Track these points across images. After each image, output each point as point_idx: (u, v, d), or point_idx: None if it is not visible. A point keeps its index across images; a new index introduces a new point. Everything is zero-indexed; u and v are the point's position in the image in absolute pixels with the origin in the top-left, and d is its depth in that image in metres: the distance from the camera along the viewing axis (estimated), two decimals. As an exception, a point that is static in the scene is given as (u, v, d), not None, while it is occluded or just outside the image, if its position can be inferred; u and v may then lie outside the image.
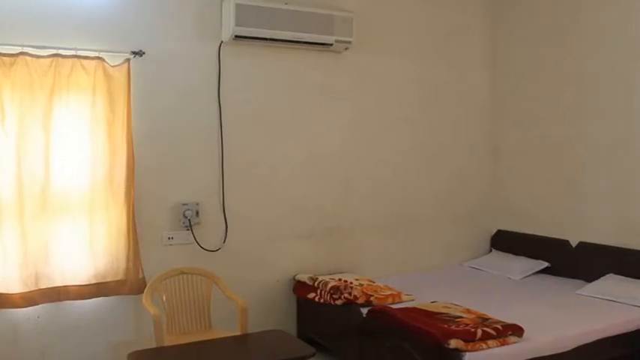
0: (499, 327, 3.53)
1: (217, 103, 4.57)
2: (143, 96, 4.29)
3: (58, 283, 4.03)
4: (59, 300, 4.06)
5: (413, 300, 4.36)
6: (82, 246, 4.10)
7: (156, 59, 4.34)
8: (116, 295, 4.21)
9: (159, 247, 4.41)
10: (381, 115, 5.31)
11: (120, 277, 4.20)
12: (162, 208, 4.43)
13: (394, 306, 4.14)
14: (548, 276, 5.16)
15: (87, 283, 4.11)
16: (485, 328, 3.49)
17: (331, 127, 5.08)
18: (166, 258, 4.38)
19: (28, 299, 3.94)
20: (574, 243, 5.11)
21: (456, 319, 3.67)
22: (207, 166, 4.59)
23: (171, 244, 4.46)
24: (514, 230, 5.68)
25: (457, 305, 4.01)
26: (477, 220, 5.85)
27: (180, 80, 4.46)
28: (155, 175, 4.38)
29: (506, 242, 5.73)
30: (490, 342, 3.43)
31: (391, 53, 5.31)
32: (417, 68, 5.45)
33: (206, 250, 4.55)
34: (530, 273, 5.19)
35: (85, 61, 4.04)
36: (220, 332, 4.08)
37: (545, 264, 5.25)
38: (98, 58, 4.08)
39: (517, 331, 3.56)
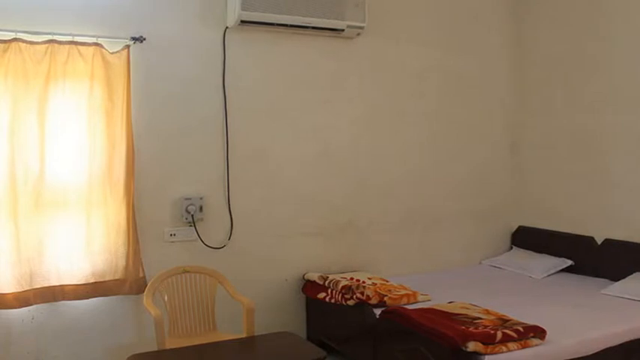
0: (520, 329, 3.46)
1: (222, 93, 4.49)
2: (144, 84, 4.23)
3: (54, 283, 3.97)
4: (55, 300, 3.99)
5: (429, 300, 4.32)
6: (79, 243, 4.03)
7: (157, 46, 4.27)
8: (115, 294, 4.15)
9: (160, 244, 4.34)
10: (396, 105, 5.20)
11: (119, 275, 4.13)
12: (163, 203, 4.36)
13: (409, 306, 4.08)
14: (572, 275, 5.09)
15: (84, 282, 4.04)
16: (505, 330, 3.42)
17: (343, 118, 4.98)
18: (168, 256, 4.32)
19: (22, 299, 3.87)
20: (599, 240, 5.01)
21: (475, 321, 3.63)
22: (212, 158, 4.51)
23: (173, 241, 4.38)
24: (536, 226, 5.59)
25: (476, 306, 3.96)
26: (497, 216, 5.75)
27: (183, 68, 4.38)
28: (156, 169, 4.31)
29: (527, 239, 5.65)
30: (510, 345, 3.37)
31: (406, 40, 5.20)
32: (435, 55, 5.34)
33: (210, 247, 4.47)
34: (552, 272, 5.12)
35: (82, 48, 3.97)
36: (225, 334, 4.05)
37: (569, 262, 5.16)
38: (96, 44, 4.01)
39: (539, 333, 3.49)
